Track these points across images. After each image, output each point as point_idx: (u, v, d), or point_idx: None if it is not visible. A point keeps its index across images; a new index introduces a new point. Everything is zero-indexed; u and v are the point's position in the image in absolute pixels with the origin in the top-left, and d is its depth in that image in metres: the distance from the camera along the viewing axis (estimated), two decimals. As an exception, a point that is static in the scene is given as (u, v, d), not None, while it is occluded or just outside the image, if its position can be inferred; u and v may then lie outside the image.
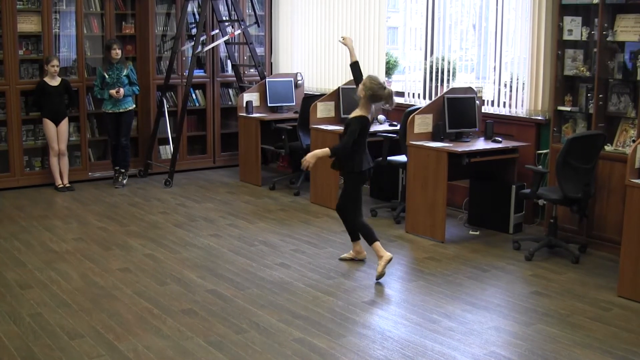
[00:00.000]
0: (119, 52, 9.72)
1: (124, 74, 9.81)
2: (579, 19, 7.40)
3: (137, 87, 10.10)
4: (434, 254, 7.21)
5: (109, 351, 4.91)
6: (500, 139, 7.97)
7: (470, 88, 8.31)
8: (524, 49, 8.25)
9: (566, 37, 7.49)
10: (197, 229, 7.99)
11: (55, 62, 9.51)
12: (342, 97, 9.24)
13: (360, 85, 6.47)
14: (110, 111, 9.86)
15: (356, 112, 6.49)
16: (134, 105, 10.20)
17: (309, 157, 6.40)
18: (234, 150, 11.31)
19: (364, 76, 6.59)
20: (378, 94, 6.37)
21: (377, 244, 6.55)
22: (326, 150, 6.42)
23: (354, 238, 6.89)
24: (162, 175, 10.48)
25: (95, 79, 9.86)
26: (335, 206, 7.04)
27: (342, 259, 6.97)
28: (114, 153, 10.18)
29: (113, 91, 9.68)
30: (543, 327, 5.43)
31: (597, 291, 6.23)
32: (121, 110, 9.88)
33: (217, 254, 7.13)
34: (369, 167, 6.65)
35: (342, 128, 8.62)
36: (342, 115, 9.16)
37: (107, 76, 9.71)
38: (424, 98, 9.57)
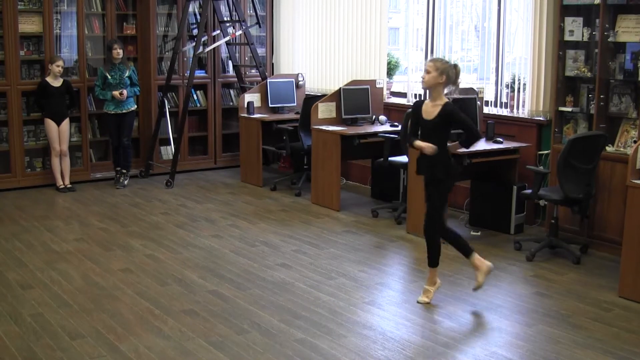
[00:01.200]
0: (120, 52, 9.72)
1: (127, 74, 9.81)
2: (580, 20, 7.40)
3: (138, 88, 10.10)
4: (435, 255, 7.20)
5: (110, 351, 4.91)
6: (501, 140, 7.97)
7: (471, 89, 8.30)
8: (525, 50, 8.26)
9: (567, 37, 7.49)
10: (198, 230, 8.00)
11: (60, 62, 9.51)
12: (343, 98, 9.23)
13: (434, 71, 5.69)
14: (112, 112, 9.86)
15: (441, 100, 5.76)
16: (136, 106, 10.19)
17: (428, 148, 5.72)
18: (235, 150, 11.31)
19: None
20: (451, 75, 5.75)
21: (475, 255, 6.01)
22: (456, 144, 5.89)
23: (467, 252, 6.02)
24: (163, 175, 10.48)
25: (97, 79, 9.85)
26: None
27: (475, 289, 6.04)
28: (115, 154, 10.18)
29: (117, 93, 9.67)
30: (544, 328, 5.43)
31: (598, 292, 6.23)
32: (123, 111, 9.88)
33: (218, 255, 7.13)
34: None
35: (343, 129, 8.68)
36: (344, 116, 9.16)
37: (109, 77, 9.71)
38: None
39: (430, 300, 5.90)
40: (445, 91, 5.78)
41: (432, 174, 5.83)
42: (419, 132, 5.93)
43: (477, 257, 5.98)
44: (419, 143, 5.81)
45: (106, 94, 9.75)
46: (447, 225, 6.12)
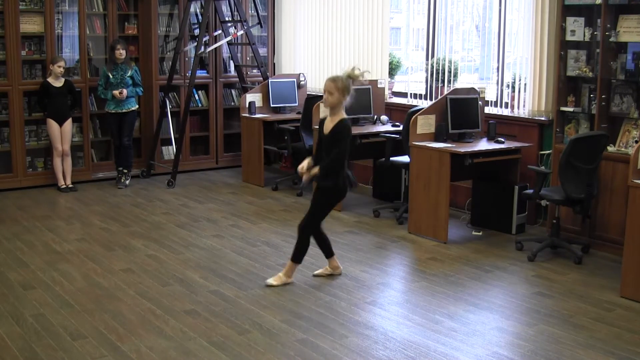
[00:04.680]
0: (123, 52, 9.72)
1: (128, 74, 9.81)
2: (581, 20, 7.39)
3: (141, 88, 10.10)
4: (436, 255, 7.21)
5: (112, 352, 4.92)
6: (502, 140, 7.97)
7: (472, 89, 8.30)
8: (527, 50, 8.25)
9: (569, 37, 7.49)
10: (199, 230, 8.00)
11: (62, 62, 9.51)
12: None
13: (336, 92, 5.87)
14: (113, 111, 9.87)
15: (338, 116, 5.97)
16: (137, 106, 10.19)
17: (306, 180, 6.07)
18: (236, 150, 11.31)
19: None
20: (350, 88, 5.94)
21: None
22: (316, 171, 5.98)
23: (329, 254, 6.48)
24: (165, 175, 10.48)
25: (100, 78, 9.86)
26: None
27: (316, 275, 6.51)
28: (117, 153, 10.19)
29: (116, 92, 9.68)
30: (546, 328, 5.43)
31: (600, 292, 6.23)
32: (124, 111, 9.89)
33: (220, 255, 7.13)
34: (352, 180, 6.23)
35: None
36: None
37: (111, 76, 9.72)
38: (427, 99, 9.56)
39: (276, 285, 6.22)
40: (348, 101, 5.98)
41: (319, 180, 6.05)
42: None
43: (336, 259, 6.53)
44: (302, 164, 6.10)
45: (108, 94, 9.77)
46: (323, 229, 6.42)
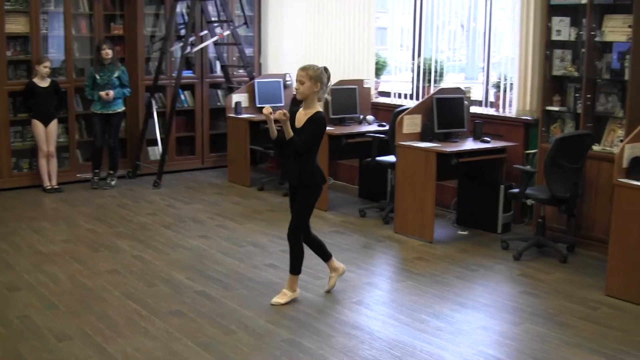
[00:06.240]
0: (110, 52, 9.68)
1: (115, 75, 9.77)
2: (567, 20, 7.42)
3: (129, 89, 10.05)
4: (422, 254, 7.22)
5: (98, 353, 4.91)
6: (488, 139, 7.99)
7: (458, 88, 8.32)
8: (513, 49, 8.27)
9: (554, 37, 7.51)
10: (185, 230, 7.98)
11: (47, 62, 9.46)
12: (331, 98, 9.22)
13: (308, 81, 5.67)
14: (99, 112, 9.81)
15: (312, 109, 5.77)
16: (124, 108, 10.14)
17: (280, 114, 5.52)
18: (222, 151, 11.28)
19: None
20: (325, 80, 5.77)
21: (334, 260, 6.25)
22: (290, 132, 5.59)
23: (326, 257, 6.21)
24: (151, 176, 10.45)
25: (87, 79, 9.82)
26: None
27: (328, 291, 6.18)
28: (97, 155, 10.04)
29: (103, 93, 9.63)
30: (531, 327, 5.45)
31: (585, 290, 6.25)
32: (110, 112, 9.84)
33: (206, 255, 7.12)
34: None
35: (330, 128, 8.67)
36: (331, 116, 9.14)
37: (98, 77, 9.67)
38: (413, 98, 9.58)
39: (284, 303, 5.84)
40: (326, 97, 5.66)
41: (299, 180, 5.77)
42: None
43: (334, 260, 6.22)
44: (267, 109, 5.63)
45: (94, 95, 9.72)
46: (313, 232, 6.12)
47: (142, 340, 5.12)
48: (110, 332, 5.26)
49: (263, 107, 5.77)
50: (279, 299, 5.86)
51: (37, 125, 9.52)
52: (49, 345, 5.02)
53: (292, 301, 5.88)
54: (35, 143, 9.68)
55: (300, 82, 5.68)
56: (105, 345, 5.03)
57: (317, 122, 5.71)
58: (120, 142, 10.53)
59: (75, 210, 8.82)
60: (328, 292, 6.14)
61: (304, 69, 5.70)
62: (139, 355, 4.88)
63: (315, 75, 5.65)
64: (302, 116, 5.79)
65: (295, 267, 5.90)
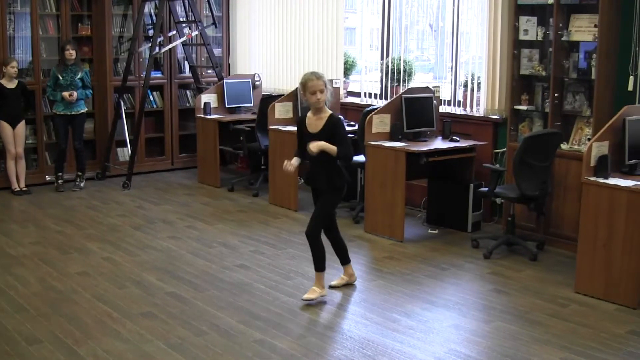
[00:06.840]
0: (73, 52, 9.59)
1: (79, 76, 9.68)
2: (534, 19, 7.47)
3: (90, 91, 9.95)
4: (393, 253, 7.24)
5: (69, 356, 4.87)
6: (457, 138, 8.03)
7: (427, 88, 8.36)
8: (481, 49, 8.33)
9: (522, 37, 7.56)
10: (155, 232, 7.95)
11: (14, 63, 9.37)
12: (300, 98, 9.23)
13: (325, 88, 5.81)
14: (61, 113, 9.68)
15: (325, 112, 5.88)
16: (86, 109, 10.03)
17: (314, 147, 5.69)
18: (192, 151, 11.25)
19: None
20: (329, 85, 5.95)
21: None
22: (334, 148, 5.72)
23: (345, 262, 6.34)
24: (120, 177, 10.39)
25: (49, 79, 9.73)
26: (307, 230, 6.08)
27: (333, 286, 6.27)
28: (61, 157, 9.91)
29: (66, 94, 9.54)
30: (502, 324, 5.48)
31: (555, 288, 6.30)
32: (73, 113, 9.72)
33: (176, 256, 7.09)
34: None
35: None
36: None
37: (60, 78, 9.59)
38: (382, 98, 9.60)
39: (315, 298, 5.92)
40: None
41: (327, 184, 5.90)
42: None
43: (351, 267, 6.37)
44: (291, 162, 5.99)
45: (57, 95, 9.62)
46: (340, 234, 6.33)
47: (113, 343, 5.09)
48: (81, 334, 5.22)
49: (286, 167, 6.03)
50: (309, 295, 5.93)
51: (5, 127, 9.42)
52: (19, 349, 4.98)
53: (262, 301, 5.89)
54: (3, 145, 9.59)
55: (320, 91, 5.76)
56: (76, 347, 5.00)
57: (340, 124, 5.87)
58: (89, 143, 10.48)
59: (44, 212, 8.75)
60: (331, 287, 6.24)
61: (318, 77, 5.81)
62: (110, 357, 4.86)
63: (326, 81, 5.83)
64: (314, 121, 5.89)
65: (319, 265, 5.99)
